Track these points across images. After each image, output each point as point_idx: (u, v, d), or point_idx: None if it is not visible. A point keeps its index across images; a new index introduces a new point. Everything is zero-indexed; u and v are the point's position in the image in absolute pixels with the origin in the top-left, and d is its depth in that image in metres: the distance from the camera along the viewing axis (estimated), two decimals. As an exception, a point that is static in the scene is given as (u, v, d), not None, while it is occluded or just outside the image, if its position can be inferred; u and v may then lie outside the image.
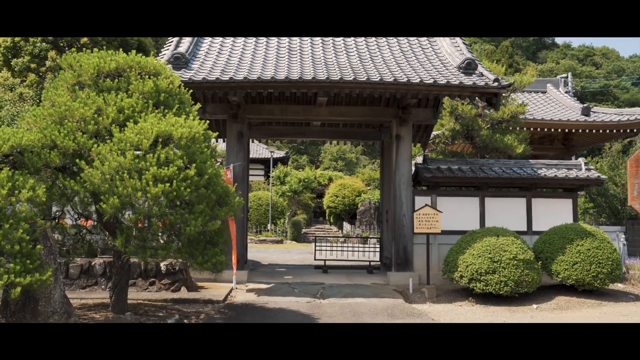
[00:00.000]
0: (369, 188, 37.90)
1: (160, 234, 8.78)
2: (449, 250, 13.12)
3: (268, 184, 36.27)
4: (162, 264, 12.36)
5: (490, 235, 12.47)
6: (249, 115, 15.04)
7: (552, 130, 21.34)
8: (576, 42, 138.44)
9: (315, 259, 16.68)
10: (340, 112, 15.35)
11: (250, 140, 19.11)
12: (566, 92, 24.39)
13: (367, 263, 16.55)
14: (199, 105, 10.15)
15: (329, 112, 15.15)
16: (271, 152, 37.30)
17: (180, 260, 9.99)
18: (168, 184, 8.13)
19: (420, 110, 15.35)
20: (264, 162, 40.59)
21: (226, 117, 14.88)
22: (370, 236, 32.18)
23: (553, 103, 23.47)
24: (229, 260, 11.18)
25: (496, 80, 12.89)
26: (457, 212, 14.78)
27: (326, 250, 16.76)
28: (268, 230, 33.29)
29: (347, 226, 35.19)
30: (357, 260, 17.23)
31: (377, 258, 17.52)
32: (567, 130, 21.68)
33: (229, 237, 11.14)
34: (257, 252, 24.01)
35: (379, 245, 17.52)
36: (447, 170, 14.98)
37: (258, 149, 43.95)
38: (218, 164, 14.78)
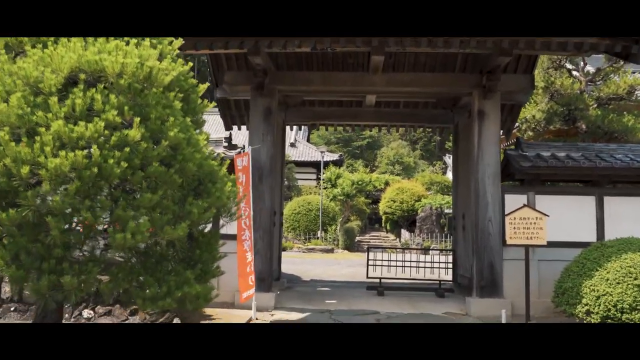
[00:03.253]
0: (429, 192, 33.36)
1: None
2: (564, 271, 8.65)
3: (320, 188, 32.22)
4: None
5: (633, 250, 7.96)
6: (279, 87, 10.93)
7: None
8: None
9: (367, 277, 12.38)
10: (401, 80, 11.02)
11: (291, 130, 14.96)
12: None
13: (436, 283, 12.17)
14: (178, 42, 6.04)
15: (386, 81, 10.85)
16: (322, 152, 33.20)
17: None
18: (83, 153, 4.14)
19: (511, 77, 10.94)
20: (316, 165, 36.58)
21: (249, 90, 10.85)
22: (433, 246, 27.64)
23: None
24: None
25: None
26: (563, 216, 10.24)
27: (382, 265, 12.41)
28: (318, 238, 29.17)
29: (405, 234, 30.71)
30: (420, 279, 12.85)
31: (448, 276, 13.08)
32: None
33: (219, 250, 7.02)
34: (302, 263, 19.89)
35: (451, 259, 13.06)
36: (552, 159, 10.47)
37: (309, 151, 40.04)
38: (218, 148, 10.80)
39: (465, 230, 11.80)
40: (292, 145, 40.85)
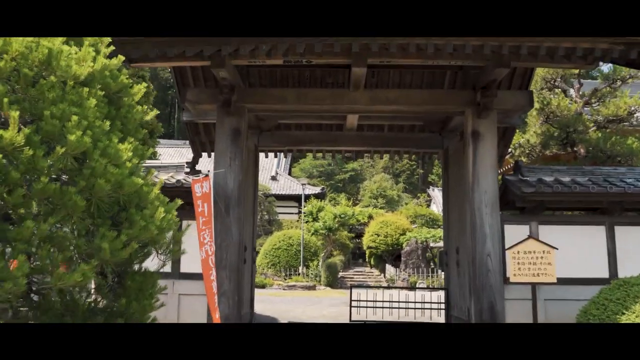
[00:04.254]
0: (414, 226, 32.01)
1: None
2: (582, 314, 7.26)
3: (301, 222, 30.72)
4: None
5: (664, 288, 6.65)
6: (249, 105, 9.56)
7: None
8: None
9: (350, 320, 10.88)
10: (386, 97, 9.68)
11: (266, 157, 13.60)
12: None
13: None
14: None
15: (369, 99, 9.53)
16: (303, 184, 31.83)
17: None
18: None
19: (507, 94, 9.70)
20: (298, 199, 35.13)
21: (215, 110, 9.50)
22: (419, 282, 26.16)
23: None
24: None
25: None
26: (570, 249, 8.94)
27: (367, 306, 10.93)
28: (299, 274, 27.55)
29: (390, 269, 29.20)
30: (409, 322, 11.39)
31: (441, 317, 11.64)
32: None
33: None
34: (281, 302, 18.32)
35: (442, 298, 11.62)
36: (557, 184, 9.20)
37: (291, 185, 38.70)
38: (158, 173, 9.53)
39: (460, 266, 10.42)
40: (273, 178, 39.51)
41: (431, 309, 11.08)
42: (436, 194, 42.54)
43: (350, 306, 10.83)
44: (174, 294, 9.47)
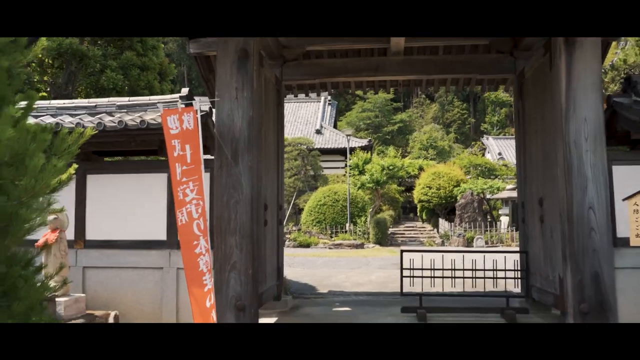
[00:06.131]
0: (468, 177, 29.13)
1: None
2: None
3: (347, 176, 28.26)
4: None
5: None
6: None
7: None
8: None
9: (402, 293, 8.43)
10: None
11: (292, 94, 11.00)
12: None
13: (498, 298, 8.20)
14: None
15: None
16: (348, 136, 29.21)
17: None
18: None
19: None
20: (343, 153, 32.61)
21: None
22: (477, 237, 23.48)
23: None
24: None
25: None
26: None
27: (422, 275, 8.42)
28: (346, 231, 25.29)
29: (444, 224, 26.58)
30: (474, 292, 8.89)
31: (516, 286, 9.08)
32: None
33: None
34: (324, 264, 16.09)
35: (514, 262, 9.01)
36: (692, 104, 6.39)
37: (337, 138, 36.19)
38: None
39: (545, 223, 7.74)
40: (318, 132, 37.12)
41: (505, 277, 8.47)
42: (491, 142, 39.23)
43: (402, 276, 8.35)
44: (77, 268, 7.30)
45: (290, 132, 35.81)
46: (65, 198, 7.53)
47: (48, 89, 12.09)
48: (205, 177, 7.15)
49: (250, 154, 6.94)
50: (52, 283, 5.66)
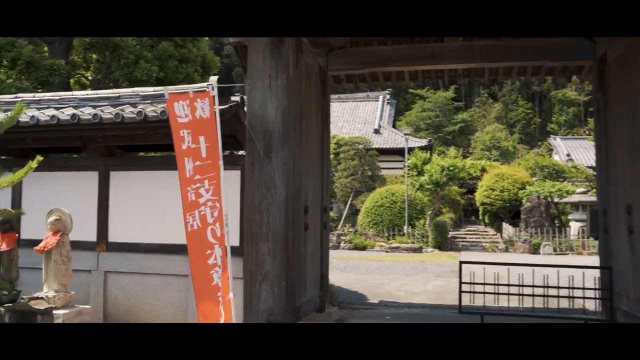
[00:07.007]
0: (534, 179, 27.25)
1: None
2: None
3: (405, 177, 27.01)
4: None
5: None
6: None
7: None
8: None
9: (460, 310, 7.30)
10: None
11: (336, 82, 9.97)
12: None
13: (571, 318, 6.96)
14: None
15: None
16: (406, 135, 27.95)
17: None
18: None
19: None
20: (402, 153, 31.33)
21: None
22: (544, 243, 21.79)
23: None
24: None
25: None
26: None
27: (484, 291, 7.26)
28: (403, 234, 24.08)
29: (508, 228, 24.90)
30: (543, 310, 7.65)
31: (597, 306, 7.76)
32: None
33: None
34: (378, 270, 15.04)
35: (597, 272, 7.68)
36: None
37: (395, 138, 34.87)
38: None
39: (635, 235, 6.43)
40: (376, 131, 35.92)
41: (584, 297, 7.19)
42: (558, 142, 36.93)
43: (460, 291, 7.23)
44: (99, 272, 6.58)
45: (348, 131, 34.85)
46: (87, 196, 6.92)
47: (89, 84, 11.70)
48: (236, 175, 6.36)
49: (285, 149, 6.05)
50: (50, 293, 4.99)
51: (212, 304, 4.25)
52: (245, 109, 6.15)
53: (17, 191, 7.04)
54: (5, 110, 7.09)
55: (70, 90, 10.39)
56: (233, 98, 6.34)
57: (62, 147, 7.34)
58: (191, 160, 4.24)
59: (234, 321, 4.47)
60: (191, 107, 4.32)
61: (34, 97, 7.21)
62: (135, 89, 7.06)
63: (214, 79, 6.54)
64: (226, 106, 6.12)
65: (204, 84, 6.62)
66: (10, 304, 4.68)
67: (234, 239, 6.17)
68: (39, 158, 3.78)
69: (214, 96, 4.53)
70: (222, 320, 4.23)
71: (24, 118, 6.37)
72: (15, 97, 7.38)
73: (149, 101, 6.49)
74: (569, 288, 7.17)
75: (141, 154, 7.82)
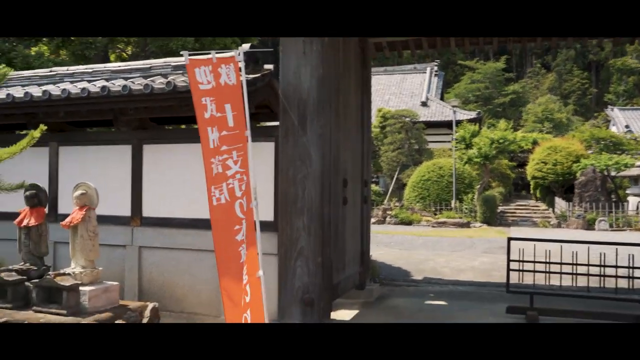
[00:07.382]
0: (590, 152, 26.01)
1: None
2: None
3: (453, 150, 26.22)
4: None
5: None
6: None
7: None
8: None
9: (508, 289, 6.86)
10: None
11: (378, 50, 9.50)
12: None
13: (633, 300, 6.42)
14: None
15: None
16: (453, 107, 27.10)
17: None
18: None
19: None
20: (450, 126, 30.46)
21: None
22: (600, 219, 20.80)
23: None
24: None
25: None
26: None
27: (534, 269, 6.81)
28: (451, 209, 23.48)
29: (560, 203, 23.89)
30: (599, 291, 7.11)
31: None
32: None
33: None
34: (423, 245, 14.63)
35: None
36: None
37: (443, 111, 33.94)
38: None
39: None
40: (424, 104, 35.04)
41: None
42: (616, 114, 35.13)
43: (508, 269, 6.78)
44: (133, 247, 6.41)
45: (395, 104, 34.15)
46: (121, 170, 6.78)
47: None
48: (269, 146, 6.07)
49: (321, 119, 5.72)
50: (77, 269, 4.87)
51: (237, 281, 4.01)
52: (279, 77, 5.81)
53: (53, 166, 6.98)
54: (40, 85, 7.01)
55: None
56: (266, 66, 6.02)
57: (95, 120, 7.22)
58: (216, 129, 3.96)
59: (263, 299, 4.21)
60: (215, 73, 4.03)
61: (67, 70, 7.10)
62: (167, 59, 6.83)
63: (245, 46, 6.22)
64: (258, 75, 5.81)
65: (235, 52, 6.34)
66: (37, 280, 4.57)
67: (267, 214, 5.92)
68: (42, 127, 3.60)
69: (239, 62, 4.21)
70: (247, 299, 3.98)
71: (55, 91, 6.23)
72: (50, 71, 7.28)
73: (180, 71, 6.25)
74: (628, 268, 6.62)
75: (173, 126, 7.62)
